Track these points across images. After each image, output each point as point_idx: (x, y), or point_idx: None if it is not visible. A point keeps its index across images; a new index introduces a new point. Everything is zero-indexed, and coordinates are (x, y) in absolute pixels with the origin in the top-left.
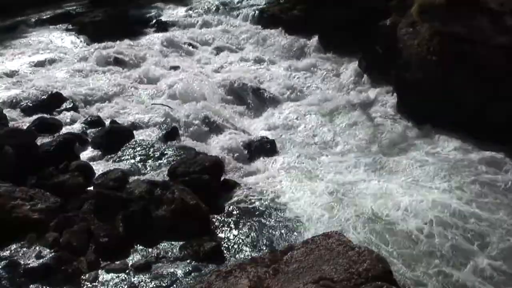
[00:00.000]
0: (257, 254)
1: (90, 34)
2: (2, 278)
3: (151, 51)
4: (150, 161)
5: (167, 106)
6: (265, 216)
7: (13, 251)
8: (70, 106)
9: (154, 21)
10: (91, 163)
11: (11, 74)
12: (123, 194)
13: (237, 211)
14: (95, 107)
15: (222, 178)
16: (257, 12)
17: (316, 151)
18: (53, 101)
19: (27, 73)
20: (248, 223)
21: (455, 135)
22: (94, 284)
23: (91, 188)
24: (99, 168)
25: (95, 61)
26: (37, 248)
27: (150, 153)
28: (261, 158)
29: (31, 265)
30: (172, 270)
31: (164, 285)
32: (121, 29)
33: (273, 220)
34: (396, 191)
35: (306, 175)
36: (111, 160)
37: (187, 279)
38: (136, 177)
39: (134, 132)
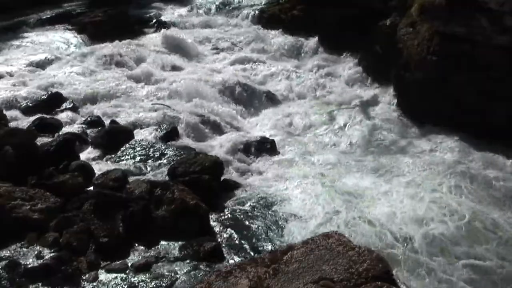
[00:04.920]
0: (257, 254)
1: (90, 34)
2: (2, 278)
3: (151, 51)
4: (150, 161)
5: (167, 106)
6: (265, 216)
7: (13, 251)
8: (70, 106)
9: (154, 21)
10: (91, 163)
11: (11, 74)
12: (123, 194)
13: (237, 211)
14: (95, 107)
15: (222, 178)
16: (257, 12)
17: (316, 151)
18: (53, 101)
19: (27, 73)
20: (248, 223)
21: (455, 135)
22: (94, 284)
23: (91, 188)
24: (99, 168)
25: (95, 61)
26: (37, 248)
27: (150, 153)
28: (261, 158)
29: (31, 265)
30: (172, 270)
31: (164, 285)
32: (121, 29)
33: (273, 220)
34: (395, 191)
35: (305, 174)
36: (111, 160)
37: (187, 279)
38: (136, 177)
39: (134, 132)
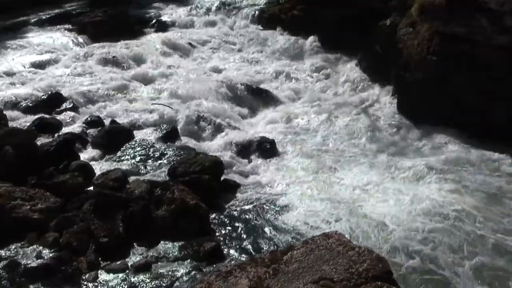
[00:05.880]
0: (257, 254)
1: (90, 34)
2: (2, 278)
3: (151, 51)
4: (150, 161)
5: (167, 106)
6: (265, 216)
7: (13, 251)
8: (70, 106)
9: (154, 21)
10: (91, 163)
11: (11, 74)
12: (123, 194)
13: (237, 211)
14: (95, 107)
15: (222, 178)
16: (257, 12)
17: (316, 151)
18: (53, 101)
19: (27, 73)
20: (248, 223)
21: (455, 135)
22: (94, 284)
23: (91, 188)
24: (99, 168)
25: (95, 61)
26: (37, 248)
27: (150, 153)
28: (261, 158)
29: (31, 265)
30: (172, 270)
31: (164, 285)
32: (121, 29)
33: (273, 220)
34: (396, 191)
35: (305, 175)
36: (111, 160)
37: (187, 279)
38: (136, 177)
39: (134, 132)
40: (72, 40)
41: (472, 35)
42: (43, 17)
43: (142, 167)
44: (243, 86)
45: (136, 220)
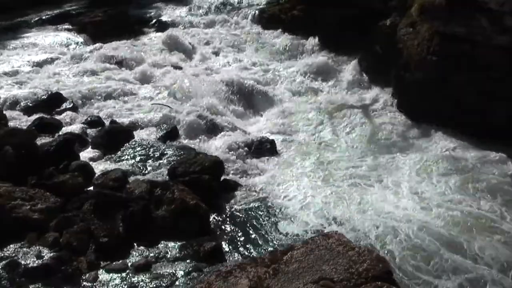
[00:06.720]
0: (257, 254)
1: (90, 34)
2: (2, 278)
3: (151, 51)
4: (150, 161)
5: (167, 106)
6: (265, 216)
7: (13, 251)
8: (70, 106)
9: (154, 21)
10: (91, 163)
11: (11, 74)
12: (123, 194)
13: (237, 211)
14: (95, 107)
15: (222, 178)
16: (257, 12)
17: (316, 151)
18: (53, 101)
19: (27, 73)
20: (248, 223)
21: (455, 135)
22: (94, 284)
23: (91, 188)
24: (99, 168)
25: (95, 61)
26: (37, 248)
27: (150, 153)
28: (261, 158)
29: (31, 265)
30: (172, 270)
31: (164, 285)
32: (121, 29)
33: (273, 220)
34: (395, 192)
35: (305, 175)
36: (111, 160)
37: (187, 279)
38: (136, 177)
39: (134, 132)
40: (72, 40)
41: (472, 35)
42: (43, 17)
43: (142, 167)
44: (243, 86)
45: (136, 220)
